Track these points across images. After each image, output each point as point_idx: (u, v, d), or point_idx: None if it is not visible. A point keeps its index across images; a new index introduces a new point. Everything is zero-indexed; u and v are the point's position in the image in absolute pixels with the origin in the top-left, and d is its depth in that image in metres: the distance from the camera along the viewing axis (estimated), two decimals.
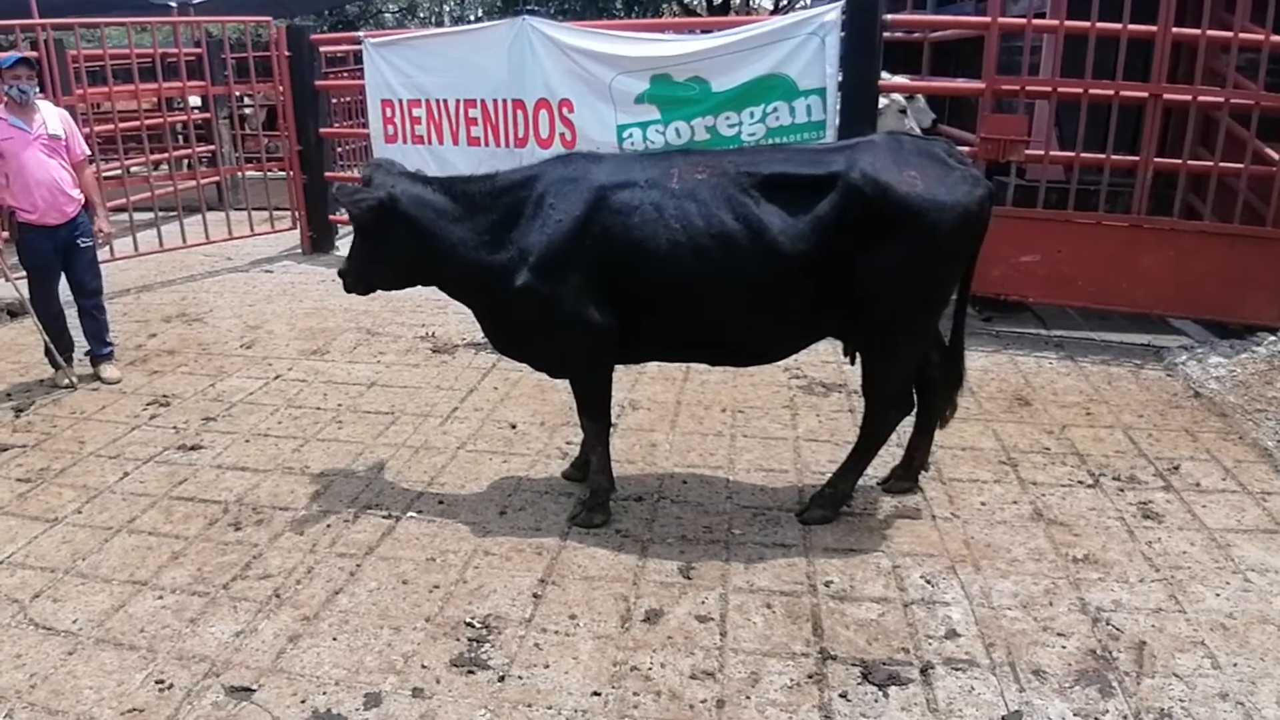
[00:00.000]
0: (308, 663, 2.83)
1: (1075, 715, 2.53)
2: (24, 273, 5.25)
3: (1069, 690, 2.63)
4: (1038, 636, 2.87)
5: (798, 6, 21.92)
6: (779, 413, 4.64)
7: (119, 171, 8.69)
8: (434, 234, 3.42)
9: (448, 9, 28.32)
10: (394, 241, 3.46)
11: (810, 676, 2.71)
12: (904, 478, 3.79)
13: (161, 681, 2.76)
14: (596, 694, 2.66)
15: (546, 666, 2.78)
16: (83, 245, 5.20)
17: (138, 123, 8.55)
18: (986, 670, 2.72)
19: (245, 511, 3.78)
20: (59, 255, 5.14)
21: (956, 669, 2.73)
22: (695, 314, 3.37)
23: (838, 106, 5.92)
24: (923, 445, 3.76)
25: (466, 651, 2.85)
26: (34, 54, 6.41)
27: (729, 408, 4.70)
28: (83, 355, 5.48)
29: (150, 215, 8.29)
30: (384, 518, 3.69)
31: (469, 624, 2.98)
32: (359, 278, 3.66)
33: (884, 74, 6.16)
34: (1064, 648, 2.82)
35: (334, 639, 2.94)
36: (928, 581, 3.17)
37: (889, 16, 6.08)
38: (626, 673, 2.74)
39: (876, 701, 2.61)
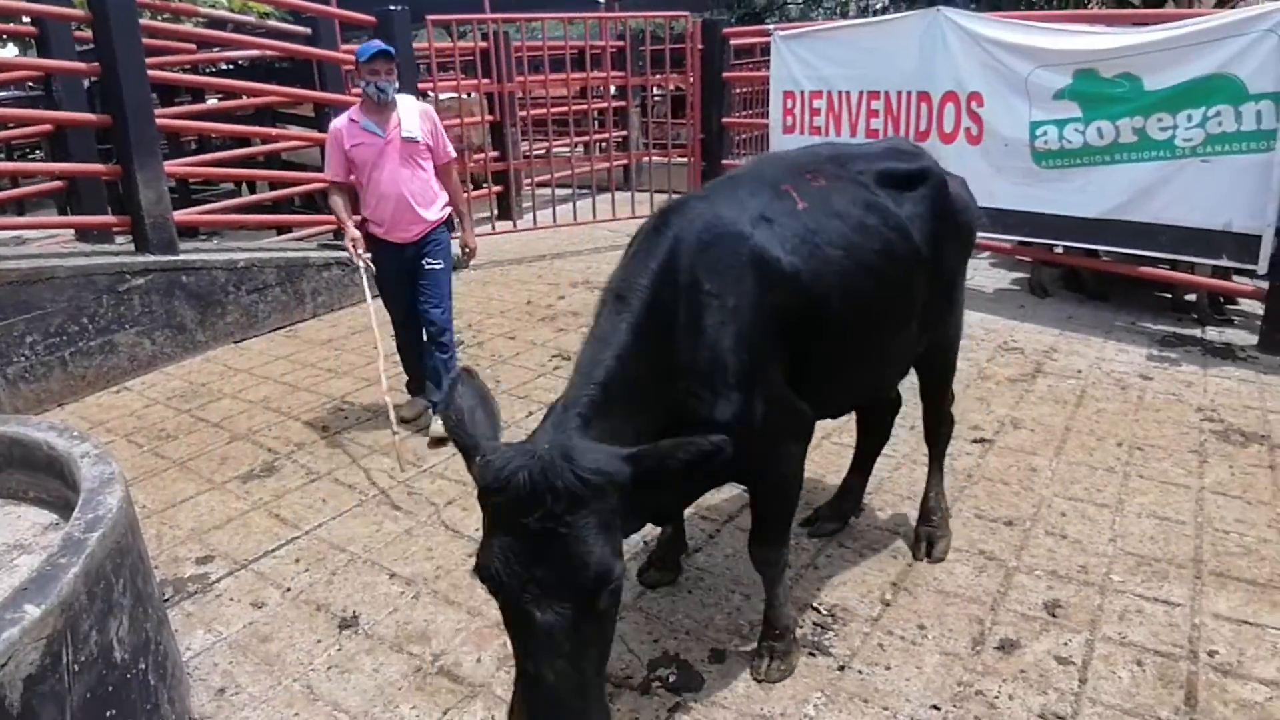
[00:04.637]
0: (664, 608, 3.07)
1: None
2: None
3: None
4: None
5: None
6: (1184, 456, 4.09)
7: (544, 151, 9.85)
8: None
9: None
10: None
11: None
12: (831, 518, 3.56)
13: None
14: (936, 708, 2.58)
15: (888, 668, 2.75)
16: (428, 266, 4.42)
17: (565, 108, 9.62)
18: None
19: None
20: (405, 276, 4.45)
21: None
22: (869, 355, 2.77)
23: None
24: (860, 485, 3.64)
25: (810, 634, 2.90)
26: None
27: (1125, 442, 4.23)
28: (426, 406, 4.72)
29: (568, 191, 9.30)
30: (744, 491, 3.85)
31: (815, 609, 3.03)
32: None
33: None
34: None
35: (689, 592, 3.15)
36: None
37: None
38: (970, 695, 2.63)
39: None
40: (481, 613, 3.07)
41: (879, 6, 24.46)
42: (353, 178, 4.44)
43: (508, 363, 5.54)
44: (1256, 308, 5.70)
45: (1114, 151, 5.72)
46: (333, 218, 5.00)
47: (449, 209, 4.55)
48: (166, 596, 3.21)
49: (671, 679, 2.73)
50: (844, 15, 25.11)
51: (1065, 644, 2.84)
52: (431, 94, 8.62)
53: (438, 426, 4.33)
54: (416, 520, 3.72)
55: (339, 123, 4.38)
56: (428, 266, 4.41)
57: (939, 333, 3.15)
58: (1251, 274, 5.49)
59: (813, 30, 7.78)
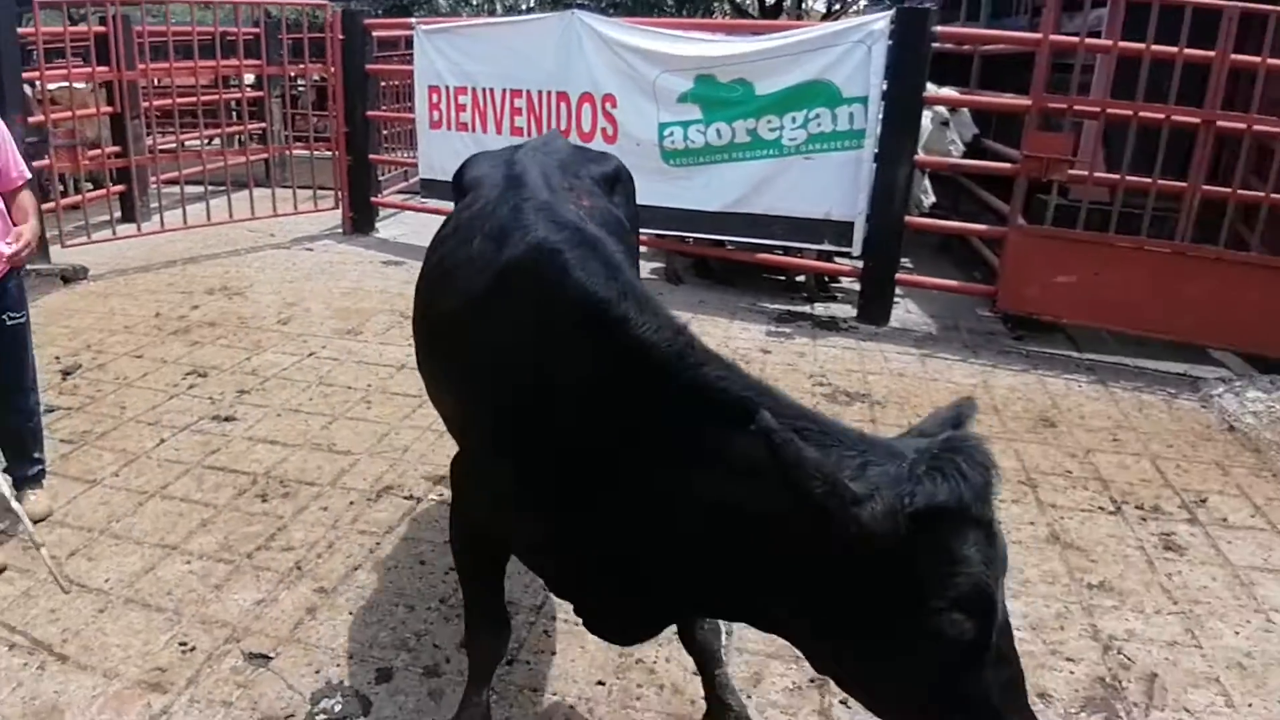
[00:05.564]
0: (324, 634, 2.91)
1: None
2: None
3: (1074, 717, 2.63)
4: (1045, 660, 2.86)
5: (851, 11, 21.78)
6: None
7: (174, 145, 8.89)
8: None
9: None
10: None
11: (812, 680, 2.73)
12: None
13: (185, 644, 2.85)
14: (601, 683, 2.71)
15: (554, 654, 2.83)
16: (10, 323, 3.49)
17: (195, 99, 8.76)
18: None
19: (273, 484, 3.87)
20: None
21: None
22: None
23: (880, 116, 5.92)
24: None
25: None
26: None
27: None
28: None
29: (200, 189, 8.47)
30: (405, 499, 3.76)
31: None
32: None
33: (930, 85, 6.14)
34: (1072, 673, 2.81)
35: (350, 613, 3.01)
36: None
37: (938, 28, 6.05)
38: (631, 665, 2.78)
39: None
40: (119, 674, 2.71)
41: (525, 7, 24.98)
42: None
43: (134, 385, 4.92)
44: (855, 285, 6.62)
45: (731, 150, 6.33)
46: None
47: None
48: None
49: (337, 708, 2.60)
50: (491, 12, 25.33)
51: None
52: (39, 84, 7.44)
53: (35, 503, 3.57)
54: (35, 579, 3.17)
55: None
56: (10, 323, 3.47)
57: None
58: (848, 255, 6.38)
59: (455, 26, 7.74)
